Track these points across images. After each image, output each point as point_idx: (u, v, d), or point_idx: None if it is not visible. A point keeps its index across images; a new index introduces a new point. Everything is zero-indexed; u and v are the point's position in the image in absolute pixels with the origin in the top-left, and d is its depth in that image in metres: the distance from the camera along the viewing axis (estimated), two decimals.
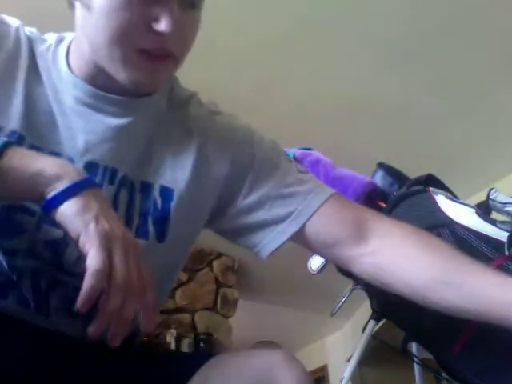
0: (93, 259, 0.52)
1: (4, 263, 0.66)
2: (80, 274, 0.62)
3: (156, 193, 0.73)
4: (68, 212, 0.54)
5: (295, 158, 1.19)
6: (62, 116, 0.70)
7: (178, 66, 0.70)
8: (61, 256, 0.68)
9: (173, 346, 3.08)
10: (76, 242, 0.54)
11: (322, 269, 1.39)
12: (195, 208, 0.77)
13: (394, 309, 1.18)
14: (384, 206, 1.16)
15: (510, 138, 2.63)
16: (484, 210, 1.10)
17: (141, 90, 0.72)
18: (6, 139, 0.56)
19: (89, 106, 0.71)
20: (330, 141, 2.20)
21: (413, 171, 1.23)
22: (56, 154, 0.67)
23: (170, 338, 3.12)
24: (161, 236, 0.73)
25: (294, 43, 2.16)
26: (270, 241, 0.77)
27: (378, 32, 2.10)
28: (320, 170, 1.20)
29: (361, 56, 2.22)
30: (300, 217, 0.76)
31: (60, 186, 0.55)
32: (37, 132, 0.68)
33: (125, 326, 0.53)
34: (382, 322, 1.50)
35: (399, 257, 0.74)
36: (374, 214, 0.79)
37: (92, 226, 0.53)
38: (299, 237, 0.77)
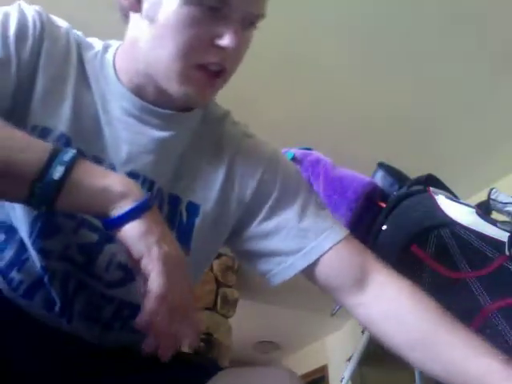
0: (154, 282, 0.55)
1: (37, 263, 0.68)
2: (109, 280, 0.70)
3: (183, 207, 0.75)
4: (132, 233, 0.56)
5: (295, 158, 1.19)
6: (108, 125, 0.71)
7: (226, 83, 0.71)
8: (93, 260, 0.69)
9: None
10: (136, 262, 0.57)
11: None
12: (218, 225, 0.78)
13: None
14: (384, 206, 1.16)
15: (510, 138, 2.63)
16: (484, 210, 1.10)
17: (190, 105, 0.74)
18: (74, 151, 0.56)
19: (135, 117, 0.72)
20: (330, 140, 2.20)
21: (413, 171, 1.23)
22: (99, 160, 0.69)
23: None
24: (185, 250, 0.73)
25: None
26: (279, 272, 0.79)
27: (378, 32, 2.10)
28: (320, 170, 1.20)
29: (362, 55, 2.22)
30: (311, 254, 0.77)
31: (125, 206, 0.56)
32: (83, 137, 0.69)
33: (176, 342, 0.58)
34: None
35: (389, 314, 0.75)
36: (377, 263, 0.79)
37: (155, 250, 0.56)
38: (306, 272, 0.78)
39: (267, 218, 0.79)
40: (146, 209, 0.57)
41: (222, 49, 0.64)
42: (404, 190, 1.14)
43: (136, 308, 0.62)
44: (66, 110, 0.69)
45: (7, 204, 0.68)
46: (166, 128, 0.73)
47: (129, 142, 0.71)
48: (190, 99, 0.69)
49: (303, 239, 0.77)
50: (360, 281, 0.76)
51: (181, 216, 0.75)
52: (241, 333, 3.89)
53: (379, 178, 1.27)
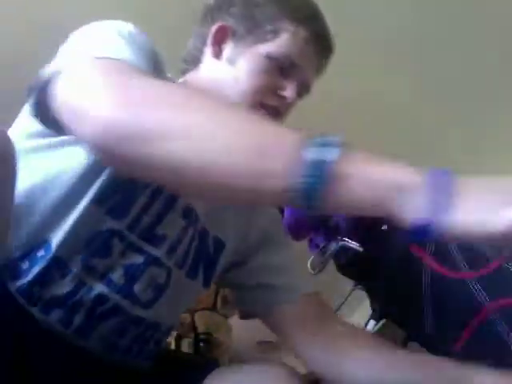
0: None
1: (75, 278, 0.69)
2: (144, 301, 0.73)
3: (210, 241, 0.83)
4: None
5: None
6: None
7: None
8: (133, 282, 0.73)
9: (173, 346, 3.08)
10: None
11: (322, 269, 1.39)
12: (230, 261, 0.89)
13: (395, 309, 1.18)
14: None
15: (510, 139, 2.63)
16: None
17: None
18: (337, 137, 0.46)
19: None
20: None
21: None
22: None
23: (170, 338, 3.12)
24: (207, 282, 0.83)
25: None
26: (250, 303, 0.92)
27: (378, 32, 2.10)
28: None
29: (362, 54, 2.22)
30: (284, 294, 0.88)
31: (414, 200, 0.43)
32: None
33: None
34: (382, 322, 1.50)
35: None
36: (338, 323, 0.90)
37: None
38: (268, 316, 0.90)
39: (262, 255, 0.91)
40: (450, 187, 0.43)
41: (282, 97, 0.82)
42: None
43: (158, 329, 0.74)
44: None
45: (55, 220, 0.69)
46: None
47: None
48: None
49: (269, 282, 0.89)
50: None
51: (208, 248, 0.83)
52: (241, 333, 3.89)
53: None
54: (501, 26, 2.05)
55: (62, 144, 0.69)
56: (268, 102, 0.82)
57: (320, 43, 0.86)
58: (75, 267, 0.69)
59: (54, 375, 0.68)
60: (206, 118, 0.47)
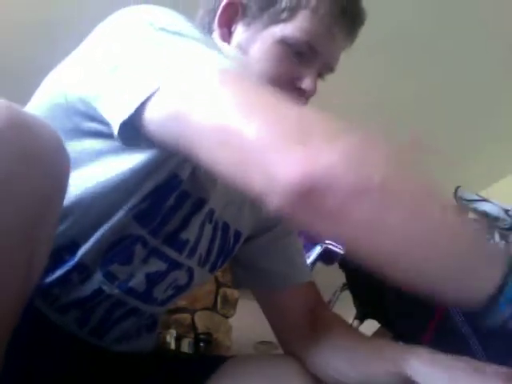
0: None
1: (91, 286, 0.68)
2: (162, 300, 0.73)
3: (231, 234, 0.80)
4: None
5: None
6: None
7: None
8: (154, 286, 0.71)
9: (172, 346, 3.08)
10: None
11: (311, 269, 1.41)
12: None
13: (377, 308, 1.20)
14: None
15: (510, 139, 2.63)
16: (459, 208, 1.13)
17: None
18: None
19: None
20: None
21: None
22: (203, 200, 0.73)
23: (170, 338, 3.12)
24: (214, 268, 0.80)
25: None
26: (244, 281, 0.89)
27: (379, 32, 2.10)
28: None
29: (361, 55, 2.22)
30: (280, 280, 0.84)
31: None
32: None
33: None
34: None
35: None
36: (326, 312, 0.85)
37: None
38: (262, 298, 0.89)
39: (265, 237, 0.85)
40: None
41: (298, 89, 0.70)
42: None
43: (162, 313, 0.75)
44: None
45: (88, 226, 0.66)
46: None
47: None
48: None
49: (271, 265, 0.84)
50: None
51: (229, 243, 0.80)
52: (241, 333, 3.89)
53: None
54: (504, 27, 2.05)
55: (103, 153, 0.62)
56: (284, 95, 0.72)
57: (347, 18, 0.71)
58: (97, 273, 0.67)
59: (61, 369, 0.68)
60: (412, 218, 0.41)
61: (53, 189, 0.47)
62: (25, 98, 0.68)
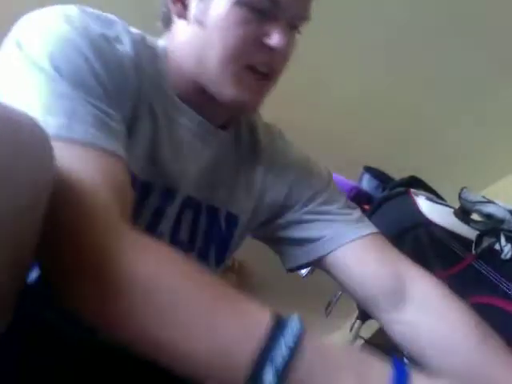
0: None
1: None
2: None
3: (221, 217, 0.75)
4: None
5: None
6: (171, 147, 0.68)
7: (274, 86, 0.69)
8: None
9: None
10: None
11: (311, 271, 1.41)
12: (248, 232, 0.80)
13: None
14: (368, 208, 1.19)
15: (510, 139, 2.63)
16: (464, 210, 1.13)
17: (240, 111, 0.72)
18: (300, 323, 0.42)
19: (195, 136, 0.70)
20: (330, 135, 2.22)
21: (412, 171, 1.26)
22: (173, 189, 0.68)
23: None
24: (220, 262, 0.75)
25: None
26: (293, 258, 0.79)
27: (378, 33, 2.11)
28: None
29: (361, 55, 2.23)
30: (329, 243, 0.75)
31: None
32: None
33: None
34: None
35: (436, 335, 0.69)
36: (413, 268, 0.74)
37: None
38: (328, 265, 0.76)
39: (298, 209, 0.78)
40: None
41: (270, 49, 0.64)
42: (386, 192, 1.16)
43: None
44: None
45: None
46: (215, 146, 0.72)
47: (190, 160, 0.69)
48: (241, 104, 0.67)
49: (325, 229, 0.76)
50: (396, 295, 0.71)
51: (220, 227, 0.74)
52: None
53: (366, 181, 1.31)
54: (503, 25, 2.07)
55: None
56: (257, 59, 0.64)
57: None
58: None
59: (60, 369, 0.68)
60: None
61: (40, 181, 0.44)
62: None
